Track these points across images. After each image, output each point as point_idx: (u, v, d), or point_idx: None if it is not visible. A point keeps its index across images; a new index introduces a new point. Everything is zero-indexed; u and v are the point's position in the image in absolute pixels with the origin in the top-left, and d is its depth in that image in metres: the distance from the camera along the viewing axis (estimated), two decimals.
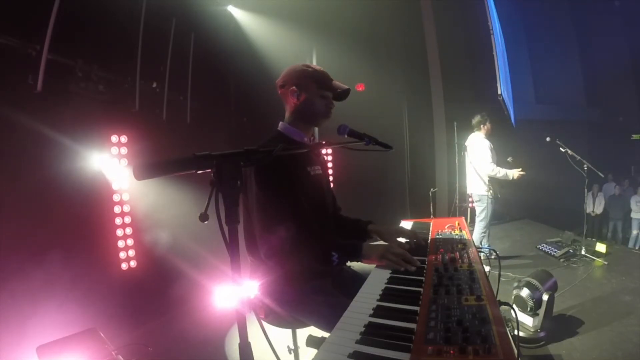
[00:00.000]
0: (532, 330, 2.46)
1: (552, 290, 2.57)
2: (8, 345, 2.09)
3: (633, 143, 10.35)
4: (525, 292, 2.48)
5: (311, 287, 1.35)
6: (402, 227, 1.68)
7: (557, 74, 10.93)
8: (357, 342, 0.81)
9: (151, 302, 3.03)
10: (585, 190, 4.51)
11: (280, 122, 1.49)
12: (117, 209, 2.92)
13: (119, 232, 2.93)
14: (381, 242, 1.54)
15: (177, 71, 3.79)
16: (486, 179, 3.86)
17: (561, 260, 4.16)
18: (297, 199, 1.33)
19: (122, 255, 2.94)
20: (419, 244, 1.47)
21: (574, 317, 2.80)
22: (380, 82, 5.62)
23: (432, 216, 5.21)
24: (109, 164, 2.84)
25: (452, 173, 6.35)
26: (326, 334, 0.93)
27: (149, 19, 3.31)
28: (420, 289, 1.04)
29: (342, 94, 1.48)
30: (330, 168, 5.09)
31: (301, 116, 1.45)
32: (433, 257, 1.30)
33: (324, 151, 4.74)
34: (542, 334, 2.45)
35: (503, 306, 1.19)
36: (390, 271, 1.23)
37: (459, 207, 6.26)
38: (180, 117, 3.92)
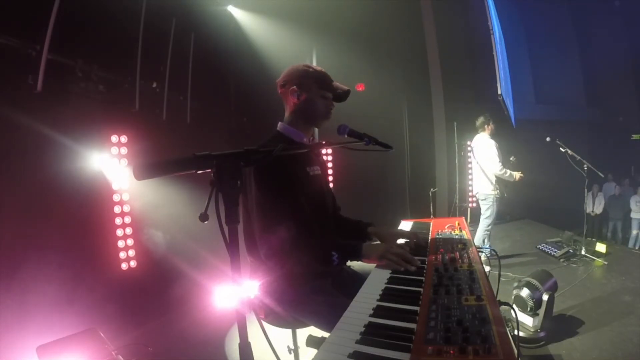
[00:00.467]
0: (532, 330, 2.46)
1: (552, 290, 2.57)
2: (8, 345, 2.09)
3: (633, 143, 10.35)
4: (525, 292, 2.48)
5: (311, 287, 1.35)
6: (402, 230, 1.68)
7: (557, 74, 10.92)
8: (357, 342, 0.81)
9: (151, 302, 3.03)
10: (585, 190, 4.51)
11: (280, 123, 1.49)
12: (117, 209, 2.92)
13: (119, 232, 2.93)
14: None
15: (177, 71, 3.80)
16: (493, 179, 3.91)
17: (561, 260, 4.16)
18: (296, 199, 1.33)
19: (122, 255, 2.94)
20: (419, 245, 1.47)
21: (574, 317, 2.80)
22: (380, 82, 5.62)
23: (432, 216, 5.22)
24: (109, 164, 2.84)
25: (452, 173, 6.36)
26: (326, 334, 0.93)
27: (149, 19, 3.31)
28: (420, 289, 1.04)
29: (343, 95, 1.48)
30: (330, 168, 5.09)
31: (301, 116, 1.45)
32: (433, 257, 1.30)
33: (323, 151, 4.75)
34: (542, 334, 2.45)
35: (503, 306, 1.19)
36: (390, 271, 1.23)
37: (459, 207, 6.26)
38: (180, 117, 3.92)
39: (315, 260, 1.30)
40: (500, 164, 3.84)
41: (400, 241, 1.55)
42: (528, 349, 2.40)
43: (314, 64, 5.04)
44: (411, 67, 6.21)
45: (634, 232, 7.93)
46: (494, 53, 5.91)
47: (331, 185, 5.02)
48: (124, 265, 2.94)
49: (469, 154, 6.48)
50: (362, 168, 5.14)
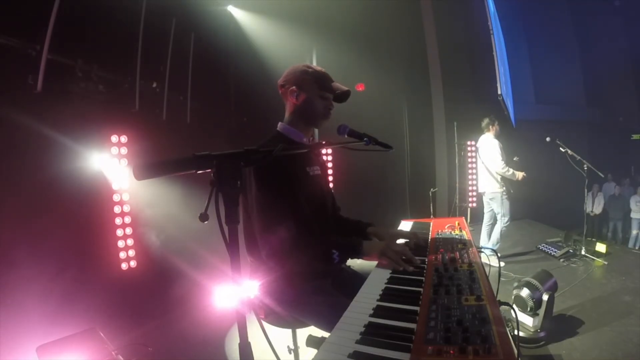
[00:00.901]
0: (532, 330, 2.46)
1: (552, 290, 2.57)
2: (8, 345, 2.09)
3: (633, 143, 10.35)
4: (525, 292, 2.48)
5: (311, 287, 1.35)
6: (401, 230, 1.68)
7: (557, 74, 10.91)
8: (357, 342, 0.80)
9: (151, 302, 3.03)
10: (585, 190, 4.51)
11: (280, 123, 1.49)
12: (117, 209, 2.92)
13: (119, 232, 2.93)
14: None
15: (177, 71, 3.80)
16: (499, 177, 4.01)
17: (561, 260, 4.16)
18: (296, 199, 1.34)
19: (122, 255, 2.94)
20: (419, 245, 1.47)
21: (574, 317, 2.80)
22: (380, 82, 5.62)
23: (432, 216, 5.22)
24: (109, 164, 2.84)
25: (452, 173, 6.36)
26: (326, 334, 0.93)
27: (149, 19, 3.31)
28: (420, 289, 1.04)
29: (342, 96, 1.48)
30: (330, 168, 5.09)
31: (300, 116, 1.45)
32: (433, 257, 1.30)
33: (323, 151, 4.75)
34: (542, 334, 2.45)
35: (503, 306, 1.19)
36: (390, 271, 1.23)
37: (459, 207, 6.26)
38: (180, 117, 3.92)
39: (316, 258, 1.30)
40: (503, 162, 3.94)
41: (400, 241, 1.55)
42: (528, 349, 2.40)
43: (314, 64, 5.04)
44: (411, 67, 6.21)
45: (634, 232, 7.93)
46: (494, 53, 5.91)
47: (331, 185, 5.02)
48: (124, 265, 2.94)
49: (475, 154, 6.50)
50: (362, 168, 5.14)
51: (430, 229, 1.73)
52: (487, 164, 4.07)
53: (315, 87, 1.42)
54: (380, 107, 5.65)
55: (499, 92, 5.86)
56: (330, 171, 5.03)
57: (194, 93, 4.02)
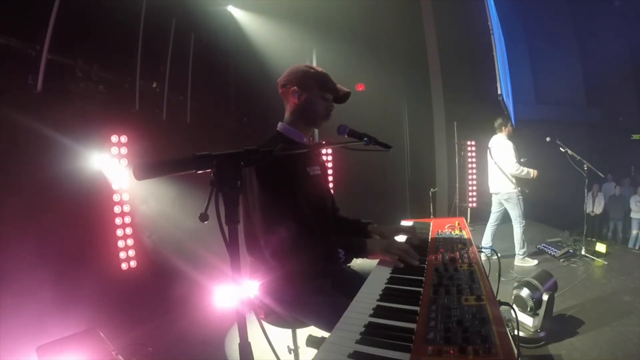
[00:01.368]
0: (532, 330, 2.46)
1: (552, 290, 2.57)
2: (8, 345, 2.09)
3: (633, 143, 10.35)
4: (525, 292, 2.48)
5: (311, 287, 1.35)
6: (401, 225, 1.68)
7: (557, 74, 10.91)
8: (357, 342, 0.80)
9: (151, 302, 3.03)
10: (585, 190, 4.51)
11: (280, 123, 1.49)
12: (117, 209, 2.92)
13: (119, 232, 2.93)
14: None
15: (177, 71, 3.80)
16: (513, 178, 4.01)
17: (561, 260, 4.16)
18: (298, 198, 1.34)
19: (122, 255, 2.94)
20: (419, 243, 1.48)
21: (574, 317, 2.80)
22: (380, 82, 5.62)
23: (432, 216, 5.22)
24: (109, 164, 2.84)
25: (452, 173, 6.36)
26: (326, 334, 0.93)
27: (149, 19, 3.31)
28: (420, 289, 1.04)
29: (343, 97, 1.48)
30: (330, 168, 5.09)
31: (301, 116, 1.45)
32: (433, 257, 1.30)
33: (323, 151, 4.75)
34: (542, 334, 2.45)
35: (503, 306, 1.19)
36: (390, 271, 1.23)
37: (459, 207, 6.26)
38: (180, 117, 3.92)
39: (321, 258, 1.30)
40: (517, 163, 3.94)
41: (401, 238, 1.56)
42: (528, 349, 2.40)
43: (314, 64, 5.05)
44: (411, 67, 6.21)
45: (634, 232, 7.93)
46: (494, 53, 5.92)
47: (331, 185, 5.01)
48: (124, 265, 2.95)
49: (474, 154, 6.51)
50: (362, 168, 5.14)
51: (430, 229, 1.73)
52: (501, 165, 4.05)
53: (316, 87, 1.42)
54: (380, 107, 5.65)
55: (499, 92, 5.86)
56: (330, 171, 5.03)
57: (194, 93, 4.02)
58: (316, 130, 2.03)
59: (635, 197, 7.98)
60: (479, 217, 6.49)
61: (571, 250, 4.35)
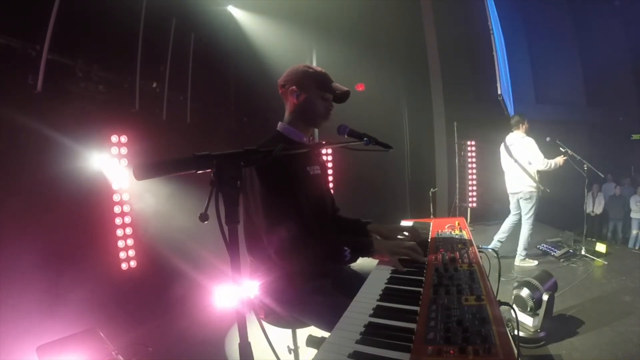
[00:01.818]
0: (532, 330, 2.46)
1: (552, 290, 2.57)
2: (8, 345, 2.09)
3: (633, 143, 10.34)
4: (525, 292, 2.48)
5: (311, 287, 1.35)
6: (401, 225, 1.69)
7: (557, 74, 10.90)
8: (357, 342, 0.80)
9: (151, 302, 3.03)
10: (585, 190, 4.51)
11: (280, 123, 1.49)
12: (117, 209, 2.92)
13: (119, 232, 2.94)
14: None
15: (177, 71, 3.80)
16: (536, 176, 3.95)
17: (561, 260, 4.16)
18: (299, 198, 1.34)
19: (122, 255, 2.94)
20: (420, 242, 1.48)
21: (574, 317, 2.80)
22: (380, 82, 5.62)
23: (432, 216, 5.22)
24: (109, 164, 2.84)
25: (452, 173, 6.36)
26: (326, 334, 0.93)
27: (149, 19, 3.31)
28: (420, 289, 1.04)
29: (342, 96, 1.48)
30: (330, 168, 5.09)
31: (300, 116, 1.45)
32: (433, 257, 1.30)
33: (323, 151, 4.75)
34: (542, 334, 2.45)
35: (503, 306, 1.19)
36: (390, 271, 1.23)
37: (459, 207, 6.26)
38: (180, 117, 3.92)
39: (326, 256, 1.30)
40: (545, 158, 3.88)
41: (401, 237, 1.56)
42: (528, 349, 2.40)
43: (314, 64, 5.05)
44: (411, 67, 6.21)
45: (634, 232, 7.92)
46: (494, 53, 5.91)
47: (331, 185, 5.01)
48: (124, 265, 2.95)
49: (475, 154, 6.50)
50: (362, 168, 5.14)
51: (430, 229, 1.73)
52: (523, 163, 3.97)
53: (315, 87, 1.42)
54: (380, 107, 5.64)
55: (499, 92, 5.86)
56: (330, 171, 5.03)
57: (194, 93, 4.02)
58: (316, 130, 2.03)
59: (635, 197, 7.98)
60: (479, 217, 6.49)
61: (571, 250, 4.35)
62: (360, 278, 1.44)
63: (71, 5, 2.53)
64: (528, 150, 3.95)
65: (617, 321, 2.70)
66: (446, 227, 1.71)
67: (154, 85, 3.58)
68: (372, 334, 0.84)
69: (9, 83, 2.30)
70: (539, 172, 3.98)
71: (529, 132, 4.09)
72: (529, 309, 2.46)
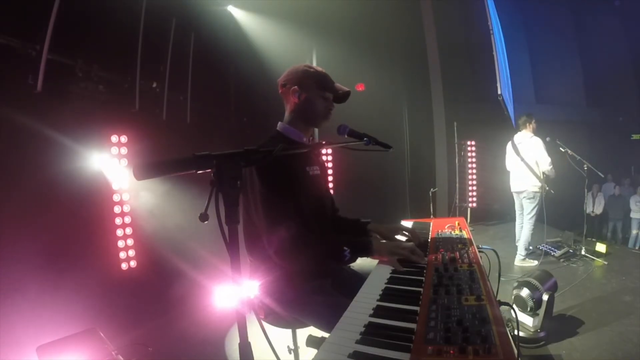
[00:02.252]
0: (532, 330, 2.46)
1: (552, 290, 2.57)
2: (8, 345, 2.09)
3: (633, 143, 10.34)
4: (525, 292, 2.48)
5: (311, 287, 1.35)
6: (401, 225, 1.69)
7: (557, 74, 10.90)
8: (357, 342, 0.80)
9: (151, 302, 3.03)
10: (585, 190, 4.51)
11: (279, 122, 1.49)
12: (117, 209, 2.92)
13: (119, 232, 2.94)
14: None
15: (177, 71, 3.80)
16: (542, 175, 3.96)
17: (561, 260, 4.16)
18: (299, 198, 1.34)
19: (122, 255, 2.94)
20: (419, 243, 1.48)
21: (574, 317, 2.80)
22: (380, 82, 5.62)
23: (432, 216, 5.22)
24: (109, 164, 2.84)
25: (452, 173, 6.35)
26: (326, 334, 0.93)
27: (149, 19, 3.31)
28: (420, 289, 1.04)
29: (343, 96, 1.48)
30: (330, 168, 5.09)
31: (301, 116, 1.45)
32: (433, 257, 1.30)
33: (323, 151, 4.75)
34: (542, 334, 2.45)
35: (503, 306, 1.19)
36: (390, 271, 1.23)
37: (459, 207, 6.26)
38: (180, 117, 3.92)
39: (326, 255, 1.30)
40: (550, 161, 3.90)
41: (401, 238, 1.56)
42: (528, 349, 2.40)
43: (314, 64, 5.04)
44: (411, 67, 6.21)
45: (634, 232, 7.92)
46: (494, 53, 5.90)
47: (331, 185, 5.00)
48: (124, 265, 2.95)
49: (474, 154, 6.50)
50: (362, 168, 5.14)
51: (430, 229, 1.73)
52: (530, 162, 3.98)
53: (316, 87, 1.42)
54: (380, 107, 5.65)
55: (499, 92, 5.86)
56: (330, 171, 5.03)
57: (194, 93, 4.02)
58: (316, 130, 2.03)
59: (635, 197, 7.98)
60: (479, 217, 6.50)
61: (571, 250, 4.35)
62: (360, 278, 1.44)
63: (71, 5, 2.53)
64: (536, 149, 3.95)
65: (617, 321, 2.70)
66: (446, 227, 1.71)
67: (154, 85, 3.58)
68: (372, 334, 0.84)
69: (9, 83, 2.30)
70: (546, 172, 3.98)
71: (536, 132, 4.09)
72: (529, 309, 2.46)
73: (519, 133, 4.19)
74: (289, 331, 1.53)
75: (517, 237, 4.33)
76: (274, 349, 0.98)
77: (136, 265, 3.02)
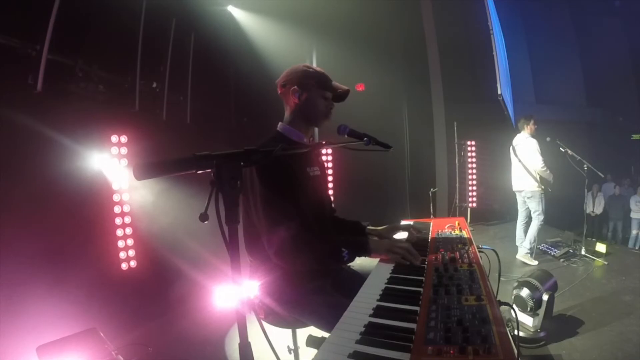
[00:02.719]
0: (532, 330, 2.46)
1: (552, 290, 2.57)
2: (8, 345, 2.09)
3: (633, 143, 10.33)
4: (525, 292, 2.48)
5: (311, 287, 1.35)
6: (399, 224, 1.69)
7: (557, 74, 10.90)
8: (357, 342, 0.81)
9: (151, 302, 3.03)
10: (585, 190, 4.51)
11: (280, 123, 1.49)
12: (117, 209, 2.92)
13: (119, 232, 2.93)
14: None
15: (177, 71, 3.80)
16: (538, 176, 4.05)
17: (561, 260, 4.16)
18: (300, 198, 1.34)
19: (122, 255, 2.94)
20: (418, 242, 1.48)
21: (574, 317, 2.80)
22: (380, 82, 5.62)
23: (432, 216, 5.22)
24: (109, 164, 2.84)
25: (452, 173, 6.35)
26: (326, 334, 0.93)
27: (149, 19, 3.31)
28: (420, 289, 1.04)
29: (342, 95, 1.49)
30: (330, 168, 5.09)
31: (301, 116, 1.45)
32: (433, 257, 1.30)
33: (323, 151, 4.75)
34: (542, 334, 2.45)
35: (503, 306, 1.19)
36: (390, 271, 1.23)
37: (459, 207, 6.26)
38: (180, 117, 3.92)
39: (325, 256, 1.30)
40: (543, 161, 3.97)
41: (402, 235, 1.56)
42: (528, 349, 2.40)
43: (314, 64, 5.05)
44: (411, 67, 6.21)
45: (634, 232, 7.92)
46: (494, 53, 5.90)
47: (331, 185, 5.00)
48: (124, 265, 2.94)
49: (475, 154, 6.51)
50: (362, 168, 5.14)
51: (430, 229, 1.73)
52: (526, 162, 4.08)
53: (316, 86, 1.42)
54: (380, 107, 5.64)
55: (499, 92, 5.86)
56: (330, 171, 5.03)
57: (194, 93, 4.02)
58: (316, 131, 2.03)
59: (635, 197, 7.98)
60: (479, 217, 6.49)
61: (571, 250, 4.35)
62: (360, 278, 1.44)
63: (71, 5, 2.53)
64: (529, 151, 4.04)
65: (617, 321, 2.70)
66: (446, 227, 1.71)
67: (154, 85, 3.58)
68: (372, 334, 0.84)
69: (9, 83, 2.30)
70: (538, 173, 4.05)
71: (535, 133, 4.16)
72: (529, 309, 2.46)
73: (518, 134, 4.26)
74: (289, 331, 1.53)
75: (517, 237, 4.35)
76: (274, 349, 0.98)
77: (136, 265, 3.02)
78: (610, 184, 8.59)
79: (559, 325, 2.62)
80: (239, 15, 4.55)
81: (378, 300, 1.02)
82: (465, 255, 1.28)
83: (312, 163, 1.50)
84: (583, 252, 4.25)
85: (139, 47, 3.24)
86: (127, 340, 2.53)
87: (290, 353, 1.60)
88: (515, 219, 4.47)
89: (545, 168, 3.97)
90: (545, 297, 2.46)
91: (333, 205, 1.70)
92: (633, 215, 7.98)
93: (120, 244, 2.93)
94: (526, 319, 2.48)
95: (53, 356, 1.94)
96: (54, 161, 2.46)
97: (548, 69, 10.98)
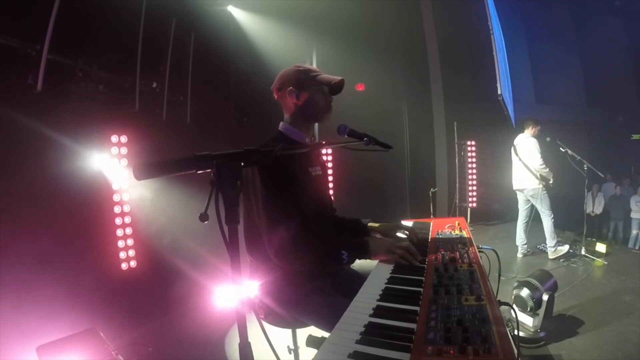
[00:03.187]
0: (532, 330, 2.46)
1: (552, 290, 2.57)
2: (8, 345, 2.09)
3: (633, 143, 10.33)
4: (525, 292, 2.48)
5: (311, 287, 1.35)
6: (400, 223, 1.69)
7: (557, 74, 10.89)
8: (357, 342, 0.80)
9: (151, 302, 3.03)
10: (585, 190, 4.51)
11: (281, 123, 1.49)
12: (117, 209, 2.92)
13: (119, 232, 2.93)
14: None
15: (177, 71, 3.80)
16: (538, 174, 4.10)
17: (561, 260, 4.16)
18: (301, 198, 1.34)
19: (122, 255, 2.94)
20: (418, 242, 1.48)
21: (574, 317, 2.80)
22: (380, 82, 5.62)
23: (432, 216, 5.22)
24: (109, 164, 2.84)
25: (452, 173, 6.35)
26: (326, 334, 0.93)
27: (149, 19, 3.31)
28: (420, 289, 1.04)
29: (338, 86, 1.48)
30: (330, 168, 5.09)
31: (303, 115, 1.45)
32: (433, 257, 1.30)
33: (323, 151, 4.75)
34: (542, 334, 2.45)
35: (503, 306, 1.19)
36: (390, 271, 1.23)
37: (459, 207, 6.26)
38: (180, 117, 3.92)
39: (325, 256, 1.30)
40: (542, 159, 4.02)
41: (401, 235, 1.56)
42: (528, 349, 2.40)
43: (314, 64, 5.05)
44: (411, 67, 6.21)
45: (634, 232, 7.92)
46: (494, 53, 5.90)
47: (331, 185, 5.00)
48: (124, 265, 2.94)
49: (475, 154, 6.51)
50: (362, 168, 5.14)
51: (430, 229, 1.73)
52: (526, 161, 4.14)
53: (312, 83, 1.42)
54: (380, 107, 5.65)
55: (499, 92, 5.85)
56: (330, 171, 5.03)
57: (194, 93, 4.02)
58: (316, 131, 2.03)
59: (635, 197, 7.97)
60: (479, 217, 6.49)
61: (571, 250, 4.35)
62: (360, 278, 1.44)
63: (71, 5, 2.53)
64: (529, 150, 4.08)
65: (617, 321, 2.70)
66: (446, 227, 1.71)
67: (154, 85, 3.58)
68: (372, 334, 0.84)
69: (9, 83, 2.30)
70: (537, 171, 4.08)
71: (537, 135, 4.20)
72: (529, 309, 2.46)
73: (520, 134, 4.30)
74: (289, 331, 1.53)
75: (517, 237, 4.35)
76: (274, 349, 0.98)
77: (136, 265, 3.02)
78: (611, 184, 8.59)
79: (559, 325, 2.62)
80: (239, 15, 4.55)
81: (378, 300, 1.02)
82: (465, 255, 1.28)
83: (314, 163, 1.50)
84: (583, 252, 4.25)
85: (139, 47, 3.24)
86: (127, 340, 2.53)
87: (290, 353, 1.60)
88: (515, 219, 4.48)
89: (544, 166, 4.01)
90: (545, 297, 2.46)
91: (333, 205, 1.70)
92: (633, 215, 7.97)
93: (120, 244, 2.94)
94: (526, 319, 2.48)
95: (53, 356, 1.94)
96: (54, 161, 2.46)
97: (548, 69, 10.98)
